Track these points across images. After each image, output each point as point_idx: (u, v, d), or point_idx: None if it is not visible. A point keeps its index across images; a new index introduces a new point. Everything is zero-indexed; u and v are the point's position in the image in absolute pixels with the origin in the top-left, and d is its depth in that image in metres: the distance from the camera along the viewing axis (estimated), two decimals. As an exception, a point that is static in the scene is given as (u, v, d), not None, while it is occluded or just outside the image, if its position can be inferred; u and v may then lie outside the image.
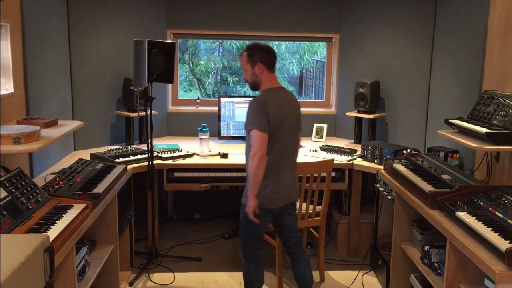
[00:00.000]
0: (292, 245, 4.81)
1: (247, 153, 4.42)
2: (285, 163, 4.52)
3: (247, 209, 4.39)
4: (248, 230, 4.59)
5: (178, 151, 5.95)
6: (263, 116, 4.25)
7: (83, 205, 3.84)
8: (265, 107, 4.27)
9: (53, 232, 3.29)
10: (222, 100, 6.76)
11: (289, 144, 4.52)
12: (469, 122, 4.52)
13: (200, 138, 6.06)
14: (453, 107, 5.55)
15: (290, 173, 4.57)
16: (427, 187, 4.23)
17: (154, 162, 5.51)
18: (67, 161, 5.52)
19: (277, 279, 5.39)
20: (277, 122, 4.33)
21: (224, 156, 5.86)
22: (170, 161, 5.70)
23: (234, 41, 10.64)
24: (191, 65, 11.75)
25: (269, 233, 5.63)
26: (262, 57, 4.44)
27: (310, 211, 5.39)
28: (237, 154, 5.98)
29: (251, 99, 6.86)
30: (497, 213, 3.59)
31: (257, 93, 4.57)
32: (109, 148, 5.83)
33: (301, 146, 5.60)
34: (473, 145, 4.15)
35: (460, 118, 4.73)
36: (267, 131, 4.26)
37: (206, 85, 12.12)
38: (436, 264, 4.25)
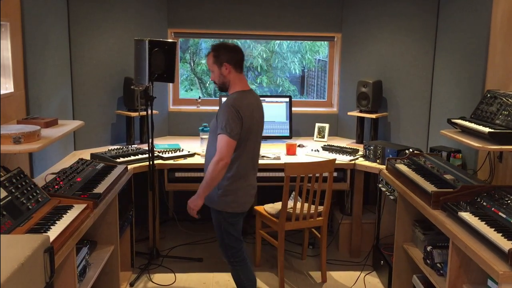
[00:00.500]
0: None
1: (210, 154, 4.41)
2: (253, 166, 4.58)
3: (195, 207, 4.40)
4: (229, 234, 4.57)
5: (179, 151, 5.94)
6: (237, 122, 4.23)
7: (83, 205, 3.84)
8: (240, 113, 4.25)
9: (54, 232, 3.29)
10: (223, 99, 6.74)
11: (257, 147, 4.59)
12: (472, 122, 4.52)
13: (201, 138, 6.05)
14: (456, 106, 5.55)
15: (255, 174, 4.64)
16: (429, 187, 4.23)
17: (155, 162, 5.51)
18: (68, 161, 5.52)
19: (279, 280, 5.38)
20: (249, 126, 4.34)
21: (226, 156, 5.85)
22: (171, 161, 5.70)
23: (235, 40, 10.65)
24: (192, 64, 11.75)
25: (271, 233, 5.64)
26: (229, 57, 4.38)
27: (312, 211, 5.39)
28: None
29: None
30: (500, 213, 3.59)
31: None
32: (110, 148, 5.83)
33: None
34: (476, 144, 4.14)
35: (462, 118, 4.72)
36: (236, 138, 4.24)
37: (207, 85, 12.11)
38: (438, 265, 4.25)
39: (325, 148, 6.23)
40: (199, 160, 5.76)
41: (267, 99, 6.94)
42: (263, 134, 6.60)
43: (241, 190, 4.46)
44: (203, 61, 11.43)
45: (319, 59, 11.65)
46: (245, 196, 4.52)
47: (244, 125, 4.28)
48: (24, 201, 3.55)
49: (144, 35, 5.88)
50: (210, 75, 4.57)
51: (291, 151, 6.08)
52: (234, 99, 4.34)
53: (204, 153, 5.76)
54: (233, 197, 4.44)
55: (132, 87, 5.68)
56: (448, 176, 4.41)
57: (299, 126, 7.14)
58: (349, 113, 6.79)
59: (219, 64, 4.39)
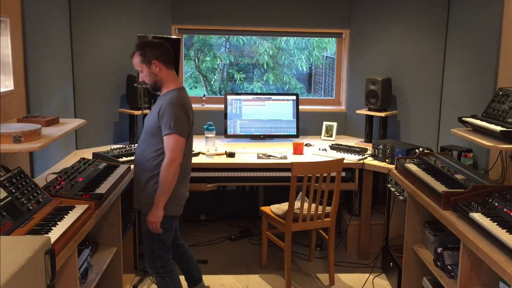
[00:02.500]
0: (179, 236, 4.86)
1: (142, 157, 4.36)
2: (190, 166, 4.56)
3: (156, 219, 4.23)
4: (160, 242, 4.42)
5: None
6: (185, 120, 4.18)
7: (85, 206, 3.84)
8: (187, 111, 4.21)
9: (55, 233, 3.29)
10: (229, 97, 6.78)
11: (191, 147, 4.55)
12: (483, 120, 4.51)
13: (206, 137, 6.06)
14: (467, 104, 5.53)
15: (189, 179, 4.61)
16: (440, 187, 4.23)
17: (159, 161, 5.50)
18: (69, 161, 5.53)
19: (286, 282, 5.39)
20: (190, 126, 4.33)
21: (231, 155, 5.87)
22: (175, 161, 5.69)
23: (241, 36, 10.64)
24: (196, 61, 11.74)
25: (277, 235, 5.64)
26: (157, 53, 4.25)
27: (319, 212, 5.39)
28: (244, 153, 6.00)
29: (259, 96, 6.94)
30: (512, 214, 3.59)
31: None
32: (112, 147, 5.82)
33: None
34: (488, 144, 4.14)
35: (474, 116, 4.71)
36: (186, 137, 4.20)
37: (212, 82, 12.10)
38: (449, 267, 4.24)
39: (333, 147, 6.22)
40: (203, 159, 5.77)
41: (273, 97, 6.96)
42: (269, 133, 6.67)
43: (179, 191, 4.39)
44: (208, 58, 11.43)
45: (326, 56, 11.62)
46: (182, 199, 4.48)
47: (189, 124, 4.27)
48: (25, 202, 3.55)
49: (147, 31, 5.89)
50: (139, 75, 4.42)
51: (298, 150, 6.08)
52: (177, 97, 4.24)
53: (209, 152, 5.80)
54: (172, 199, 4.32)
55: (135, 84, 5.70)
56: (459, 176, 4.40)
57: (306, 125, 7.14)
58: (357, 112, 6.79)
59: (147, 62, 4.26)
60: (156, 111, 4.25)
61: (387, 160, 5.71)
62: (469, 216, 3.67)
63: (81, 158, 5.06)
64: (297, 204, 5.37)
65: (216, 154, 5.90)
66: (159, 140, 4.23)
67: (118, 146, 5.92)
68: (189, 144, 4.40)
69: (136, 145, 6.05)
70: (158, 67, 4.26)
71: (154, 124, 4.25)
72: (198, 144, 6.19)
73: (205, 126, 6.13)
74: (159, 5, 6.74)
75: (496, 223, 3.46)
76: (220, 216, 7.29)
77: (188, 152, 4.41)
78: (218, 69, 11.97)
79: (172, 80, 4.36)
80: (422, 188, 4.51)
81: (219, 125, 6.66)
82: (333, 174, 5.35)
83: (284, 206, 5.46)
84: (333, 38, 7.90)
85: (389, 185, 5.46)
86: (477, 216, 3.60)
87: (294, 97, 6.90)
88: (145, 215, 4.36)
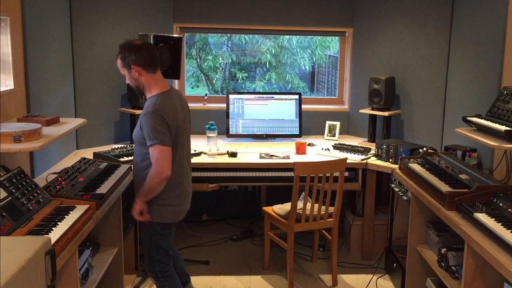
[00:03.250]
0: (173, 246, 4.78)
1: (136, 166, 4.35)
2: (186, 170, 4.46)
3: (139, 208, 4.24)
4: (159, 248, 4.39)
5: (185, 150, 5.94)
6: (164, 127, 4.05)
7: (86, 206, 3.84)
8: (164, 118, 4.05)
9: (55, 234, 3.30)
10: (231, 96, 6.78)
11: (186, 149, 4.44)
12: (488, 120, 4.50)
13: (208, 136, 6.05)
14: (471, 104, 5.53)
15: (189, 179, 4.53)
16: (444, 187, 4.22)
17: (160, 161, 5.50)
18: (70, 160, 5.53)
19: (288, 283, 5.39)
20: (175, 130, 4.17)
21: (233, 155, 5.86)
22: (176, 160, 5.69)
23: (243, 35, 10.64)
24: (198, 60, 11.75)
25: (280, 235, 5.64)
26: (135, 58, 4.12)
27: (322, 212, 5.39)
28: (246, 153, 6.00)
29: (262, 95, 6.94)
30: (517, 214, 3.58)
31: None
32: (113, 147, 5.83)
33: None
34: (492, 143, 4.13)
35: (478, 116, 4.71)
36: (170, 144, 4.09)
37: (214, 81, 12.11)
38: (453, 268, 4.24)
39: (336, 147, 6.21)
40: (205, 159, 5.77)
41: (276, 96, 6.96)
42: (271, 132, 6.66)
43: (176, 199, 4.34)
44: (210, 57, 11.44)
45: (329, 55, 11.62)
46: (180, 205, 4.41)
47: (171, 130, 4.12)
48: (25, 202, 3.56)
49: (148, 30, 5.89)
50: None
51: (300, 150, 6.07)
52: (154, 104, 4.10)
53: (211, 152, 5.80)
54: (168, 207, 4.31)
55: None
56: (463, 176, 4.40)
57: (309, 124, 7.13)
58: (360, 111, 6.78)
59: (127, 67, 4.17)
60: (139, 120, 4.19)
61: (390, 160, 5.71)
62: (473, 216, 3.67)
63: (81, 158, 5.06)
64: (300, 204, 5.37)
65: (218, 154, 5.90)
66: (147, 149, 4.14)
67: (119, 145, 5.93)
68: (180, 150, 4.29)
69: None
70: (138, 72, 4.15)
71: (138, 134, 4.18)
72: (199, 143, 6.20)
73: (207, 126, 6.12)
74: (161, 3, 6.73)
75: (500, 224, 3.46)
76: (222, 216, 7.29)
77: (178, 159, 4.29)
78: (220, 68, 11.98)
79: (155, 84, 4.22)
80: (426, 188, 4.51)
81: (221, 124, 6.67)
82: (336, 174, 5.35)
83: (287, 206, 5.46)
84: (336, 37, 7.90)
85: (392, 185, 5.46)
86: (482, 217, 3.60)
87: (296, 96, 6.90)
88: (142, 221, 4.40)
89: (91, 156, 5.39)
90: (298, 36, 10.85)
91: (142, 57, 4.13)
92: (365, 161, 5.81)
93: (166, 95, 4.22)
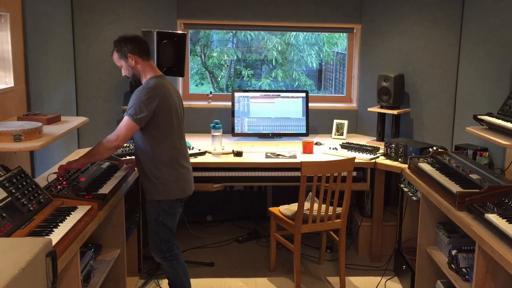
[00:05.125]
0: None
1: (142, 146, 4.56)
2: (185, 149, 4.79)
3: (67, 166, 4.51)
4: (165, 227, 4.64)
5: (189, 149, 5.91)
6: (147, 108, 4.36)
7: (88, 207, 3.85)
8: (152, 98, 4.39)
9: (56, 235, 3.31)
10: (236, 94, 6.78)
11: (182, 131, 4.77)
12: (499, 118, 4.50)
13: (213, 135, 6.06)
14: (482, 102, 5.52)
15: (188, 158, 4.84)
16: (454, 188, 4.22)
17: (163, 160, 5.51)
18: (71, 160, 5.52)
19: (295, 286, 5.39)
20: (169, 109, 4.51)
21: (238, 154, 5.86)
22: (180, 160, 5.70)
23: (249, 32, 10.63)
24: (203, 57, 11.75)
25: (286, 236, 5.64)
26: (131, 47, 4.51)
27: (330, 213, 5.38)
28: (252, 152, 6.00)
29: (268, 93, 6.94)
30: (529, 215, 3.58)
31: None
32: (116, 146, 5.84)
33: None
34: (504, 142, 4.13)
35: (489, 114, 4.71)
36: (141, 124, 4.38)
37: (219, 79, 12.10)
38: (464, 270, 4.24)
39: (343, 146, 6.21)
40: (210, 158, 5.77)
41: (282, 94, 6.96)
42: (278, 131, 6.66)
43: (180, 175, 4.63)
44: (215, 54, 11.43)
45: (337, 52, 11.60)
46: (184, 181, 4.67)
47: (161, 109, 4.43)
48: (25, 202, 3.56)
49: (152, 26, 5.89)
50: (122, 71, 4.70)
51: (307, 149, 6.07)
52: (146, 83, 4.50)
53: (216, 151, 5.80)
54: (174, 183, 4.60)
55: (139, 81, 5.70)
56: (474, 176, 4.39)
57: (316, 123, 7.12)
58: (369, 109, 6.77)
59: (124, 57, 4.54)
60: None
61: (399, 160, 5.70)
62: (484, 217, 3.66)
63: (83, 157, 5.08)
64: (307, 204, 5.36)
65: (223, 153, 5.89)
66: (144, 131, 4.47)
67: (122, 145, 5.93)
68: (177, 128, 4.63)
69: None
70: (134, 60, 4.52)
71: None
72: (204, 142, 6.21)
73: (212, 124, 6.12)
74: (164, -1, 6.75)
75: (512, 225, 3.46)
76: (227, 217, 7.29)
77: (177, 136, 4.62)
78: (225, 65, 11.97)
79: (150, 70, 4.60)
80: (436, 188, 4.50)
81: (226, 123, 6.66)
82: (344, 173, 5.34)
83: (293, 207, 5.46)
84: (344, 33, 7.90)
85: (401, 185, 5.45)
86: (493, 217, 3.59)
87: (303, 94, 6.89)
88: (148, 201, 4.61)
89: (93, 156, 5.39)
90: (305, 33, 10.84)
91: (137, 45, 4.54)
92: (373, 160, 5.80)
93: (159, 78, 4.61)
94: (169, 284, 4.88)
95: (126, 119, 4.35)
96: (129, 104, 4.42)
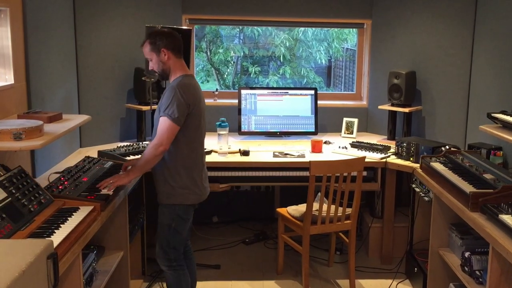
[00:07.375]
0: (189, 242, 4.99)
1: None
2: (204, 154, 4.82)
3: (117, 181, 4.33)
4: (177, 234, 4.61)
5: (194, 148, 5.94)
6: (182, 106, 4.35)
7: (90, 208, 3.85)
8: (186, 95, 4.37)
9: (58, 237, 3.31)
10: (243, 92, 6.78)
11: (204, 135, 4.77)
12: (514, 116, 4.50)
13: (219, 134, 6.05)
14: (496, 99, 5.50)
15: (205, 165, 4.81)
16: (467, 188, 4.21)
17: (168, 160, 5.52)
18: (73, 159, 5.54)
19: (303, 289, 5.40)
20: (198, 111, 4.50)
21: (245, 153, 5.87)
22: (185, 159, 5.70)
23: (256, 27, 10.64)
24: (208, 53, 11.76)
25: (295, 238, 5.64)
26: (166, 42, 4.49)
27: (339, 214, 5.38)
28: (259, 151, 6.01)
29: (275, 91, 6.94)
30: (545, 216, 3.57)
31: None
32: (119, 145, 5.86)
33: None
34: (519, 141, 4.13)
35: (504, 112, 4.70)
36: (179, 124, 4.35)
37: (225, 76, 12.12)
38: (477, 272, 4.23)
39: (353, 145, 6.21)
40: (216, 158, 5.78)
41: (290, 91, 6.96)
42: (286, 130, 6.66)
43: (199, 179, 4.63)
44: (221, 50, 11.44)
45: (347, 48, 11.61)
46: (202, 187, 4.67)
47: (193, 110, 4.43)
48: (26, 203, 3.57)
49: (156, 21, 5.89)
50: (149, 63, 4.67)
51: (316, 148, 6.07)
52: (178, 82, 4.45)
53: (222, 150, 5.81)
54: (192, 188, 4.57)
55: (143, 78, 5.71)
56: (488, 176, 4.38)
57: (326, 121, 7.12)
58: (379, 107, 6.76)
59: (156, 51, 4.50)
60: (161, 102, 4.47)
61: (411, 159, 5.69)
62: (498, 218, 3.65)
63: (85, 157, 5.09)
64: (316, 205, 5.36)
65: (229, 153, 5.91)
66: None
67: (125, 143, 5.95)
68: (201, 132, 4.63)
69: (144, 142, 6.07)
70: (167, 55, 4.48)
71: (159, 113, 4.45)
72: (210, 141, 6.18)
73: (218, 123, 6.12)
74: (169, -6, 6.75)
75: (528, 226, 3.46)
76: (233, 218, 7.30)
77: (200, 140, 4.64)
78: (232, 62, 11.98)
79: (180, 68, 4.57)
80: (449, 189, 4.50)
81: (233, 121, 6.65)
82: (354, 173, 5.33)
83: (302, 207, 5.46)
84: (354, 29, 7.91)
85: (413, 185, 5.45)
86: (507, 218, 3.59)
87: (312, 92, 6.89)
88: (161, 205, 4.59)
89: (95, 155, 5.40)
90: (313, 28, 10.84)
91: (172, 41, 4.52)
92: (384, 160, 5.80)
93: (191, 77, 4.60)
94: None
95: (164, 120, 4.31)
96: (163, 103, 4.36)
